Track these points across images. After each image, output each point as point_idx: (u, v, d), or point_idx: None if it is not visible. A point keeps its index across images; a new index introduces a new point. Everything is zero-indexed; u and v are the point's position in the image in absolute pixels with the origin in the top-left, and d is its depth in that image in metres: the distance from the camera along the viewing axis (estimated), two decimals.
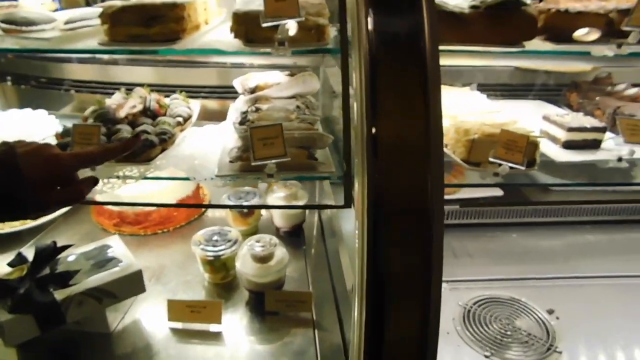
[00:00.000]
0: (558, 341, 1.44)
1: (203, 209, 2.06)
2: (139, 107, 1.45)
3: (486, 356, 1.39)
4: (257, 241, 1.54)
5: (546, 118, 1.56)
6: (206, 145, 1.44)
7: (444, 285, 0.91)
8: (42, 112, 1.81)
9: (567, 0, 1.34)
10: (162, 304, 1.46)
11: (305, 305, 1.49)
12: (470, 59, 1.62)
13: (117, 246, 1.49)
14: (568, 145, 1.46)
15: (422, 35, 0.84)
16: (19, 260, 1.33)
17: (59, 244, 1.36)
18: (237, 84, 1.63)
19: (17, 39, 1.29)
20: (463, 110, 1.49)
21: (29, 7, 1.46)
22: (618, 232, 1.97)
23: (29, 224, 1.77)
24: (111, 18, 1.19)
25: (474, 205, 1.91)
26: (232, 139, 1.36)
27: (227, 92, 1.90)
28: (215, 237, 1.62)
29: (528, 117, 1.55)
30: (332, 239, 1.85)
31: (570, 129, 1.45)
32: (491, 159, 1.20)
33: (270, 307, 1.49)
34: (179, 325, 1.44)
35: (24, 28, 1.29)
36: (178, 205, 1.90)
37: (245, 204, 1.81)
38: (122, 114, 1.40)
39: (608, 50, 1.16)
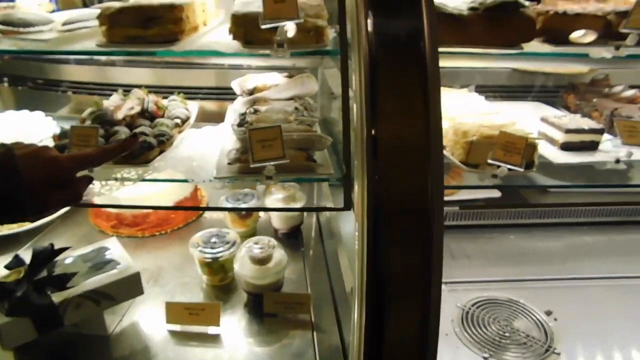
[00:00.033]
0: (556, 342, 1.44)
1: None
2: (137, 109, 1.45)
3: (485, 358, 1.39)
4: (256, 243, 1.54)
5: (544, 120, 1.56)
6: (204, 147, 1.43)
7: (442, 286, 0.91)
8: (39, 114, 1.80)
9: (565, 2, 1.35)
10: (160, 306, 1.45)
11: (303, 307, 1.49)
12: (468, 60, 1.63)
13: (114, 248, 1.48)
14: (566, 146, 1.46)
15: (421, 36, 0.84)
16: (16, 262, 1.32)
17: (57, 246, 1.35)
18: (236, 85, 1.63)
19: (14, 40, 1.28)
20: (461, 112, 1.49)
21: (26, 8, 1.45)
22: (616, 233, 1.98)
23: (26, 226, 1.76)
24: (109, 19, 1.19)
25: (472, 208, 1.91)
26: (230, 141, 1.36)
27: (225, 94, 1.89)
28: (213, 239, 1.61)
29: (526, 118, 1.55)
30: (331, 241, 1.85)
31: (568, 131, 1.45)
32: (490, 161, 1.20)
33: (269, 309, 1.49)
34: (177, 327, 1.43)
35: (21, 29, 1.28)
36: (176, 208, 1.90)
37: (243, 205, 1.81)
38: (119, 115, 1.39)
39: (606, 53, 1.16)
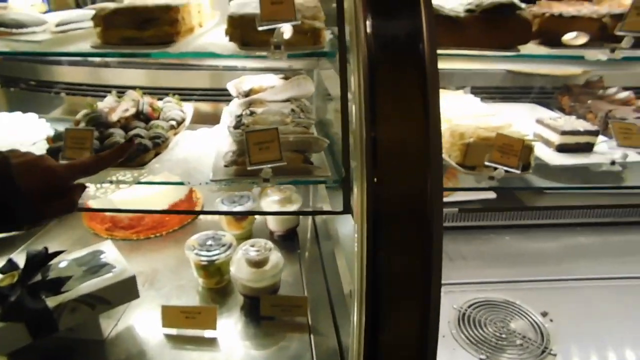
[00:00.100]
0: (552, 343, 1.44)
1: None
2: (132, 111, 1.44)
3: (481, 359, 1.39)
4: (252, 245, 1.53)
5: (539, 121, 1.57)
6: (200, 149, 1.43)
7: None
8: (32, 116, 1.78)
9: (560, 4, 1.36)
10: (156, 310, 1.44)
11: (300, 309, 1.48)
12: (464, 62, 1.63)
13: (109, 251, 1.47)
14: (561, 148, 1.47)
15: (420, 38, 0.84)
16: (10, 266, 1.31)
17: (51, 250, 1.34)
18: (231, 87, 1.62)
19: (7, 41, 1.26)
20: (458, 114, 1.49)
21: (18, 8, 1.43)
22: (611, 234, 2.00)
23: None
24: (104, 21, 1.18)
25: (468, 210, 1.91)
26: (226, 143, 1.35)
27: (220, 95, 1.88)
28: (209, 242, 1.60)
29: (521, 120, 1.56)
30: (327, 242, 1.84)
31: (564, 133, 1.46)
32: (487, 163, 1.20)
33: (266, 312, 1.48)
34: (173, 331, 1.42)
35: (14, 30, 1.26)
36: (171, 212, 1.88)
37: (239, 207, 1.80)
38: (114, 117, 1.38)
39: (602, 55, 1.17)
